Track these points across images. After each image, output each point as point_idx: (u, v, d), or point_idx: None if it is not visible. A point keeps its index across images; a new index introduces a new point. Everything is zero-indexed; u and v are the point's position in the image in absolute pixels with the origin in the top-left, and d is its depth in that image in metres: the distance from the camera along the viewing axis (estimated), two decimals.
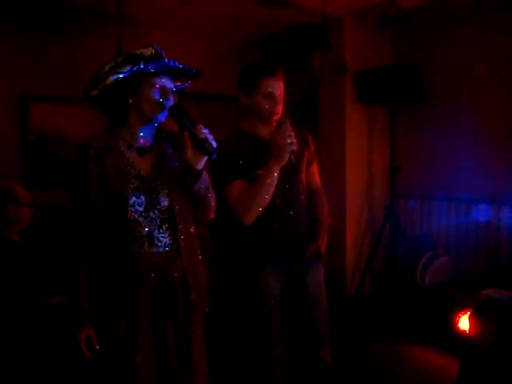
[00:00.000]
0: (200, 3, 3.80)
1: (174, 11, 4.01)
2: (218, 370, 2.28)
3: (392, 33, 4.43)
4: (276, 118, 2.19)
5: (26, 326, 2.65)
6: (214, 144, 1.67)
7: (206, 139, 1.65)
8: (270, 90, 2.15)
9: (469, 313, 2.69)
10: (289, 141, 2.04)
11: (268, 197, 2.10)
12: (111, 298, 1.67)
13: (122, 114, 1.73)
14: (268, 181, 2.08)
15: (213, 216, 1.90)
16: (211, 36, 4.62)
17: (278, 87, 2.16)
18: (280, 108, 2.19)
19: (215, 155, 1.67)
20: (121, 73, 1.63)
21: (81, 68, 3.85)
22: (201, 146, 1.65)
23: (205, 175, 1.75)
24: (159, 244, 1.71)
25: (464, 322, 3.11)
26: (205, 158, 1.68)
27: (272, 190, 2.10)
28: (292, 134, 2.06)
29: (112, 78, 1.64)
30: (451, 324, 3.26)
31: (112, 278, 1.67)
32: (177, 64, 1.72)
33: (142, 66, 1.64)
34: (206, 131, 1.67)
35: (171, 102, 1.73)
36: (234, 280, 2.39)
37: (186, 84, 1.87)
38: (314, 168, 2.45)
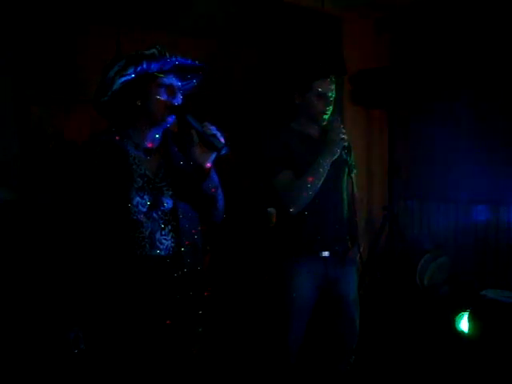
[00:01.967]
0: (200, 4, 3.80)
1: (174, 12, 4.01)
2: (218, 370, 2.29)
3: (391, 33, 4.43)
4: (325, 117, 2.31)
5: (27, 327, 2.65)
6: (223, 140, 1.65)
7: (214, 135, 1.64)
8: (324, 91, 2.27)
9: (468, 313, 2.70)
10: (341, 136, 2.17)
11: (316, 188, 2.18)
12: (110, 298, 1.66)
13: (131, 117, 1.73)
14: (319, 173, 2.17)
15: (222, 218, 1.87)
16: (211, 37, 4.62)
17: (331, 89, 2.29)
18: (330, 109, 2.31)
19: (224, 151, 1.65)
20: (125, 75, 1.63)
21: (81, 70, 3.89)
22: (210, 143, 1.63)
23: (213, 174, 1.73)
24: (161, 246, 1.70)
25: (463, 323, 3.12)
26: (213, 156, 1.67)
27: (321, 182, 2.18)
28: (343, 130, 2.19)
29: (119, 82, 1.64)
30: (450, 324, 3.27)
31: (112, 278, 1.66)
32: (179, 59, 1.71)
33: (144, 66, 1.63)
34: (213, 128, 1.66)
35: (179, 100, 1.72)
36: (269, 276, 2.43)
37: (193, 83, 1.85)
38: (352, 178, 2.50)
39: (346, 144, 2.21)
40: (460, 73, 3.92)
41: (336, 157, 2.20)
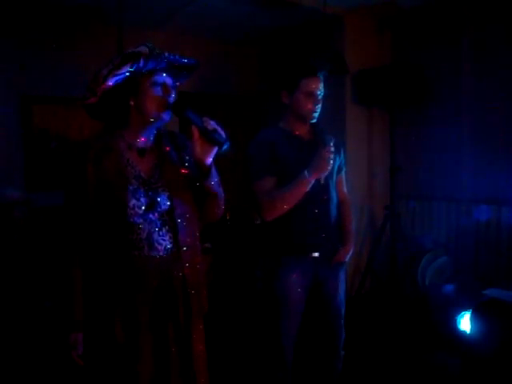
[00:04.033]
0: (200, 3, 3.80)
1: (175, 11, 4.01)
2: (218, 371, 2.28)
3: (392, 33, 4.43)
4: (314, 116, 2.27)
5: (27, 326, 2.65)
6: (224, 134, 1.62)
7: (215, 130, 1.60)
8: (312, 89, 2.22)
9: (469, 313, 2.69)
10: (329, 156, 2.11)
11: (296, 201, 2.16)
12: (110, 300, 1.65)
13: (123, 117, 1.69)
14: (302, 188, 2.14)
15: (221, 214, 1.84)
16: (211, 36, 4.63)
17: (319, 87, 2.24)
18: (319, 108, 2.26)
19: (226, 146, 1.62)
20: (120, 74, 1.58)
21: (82, 69, 3.88)
22: (211, 138, 1.59)
23: (214, 170, 1.70)
24: (159, 247, 1.67)
25: (464, 323, 3.12)
26: (214, 152, 1.63)
27: (302, 195, 2.15)
28: (332, 149, 2.13)
29: (111, 82, 1.59)
30: (452, 324, 3.26)
31: (111, 280, 1.64)
32: (177, 57, 1.68)
33: (141, 64, 1.59)
34: (213, 122, 1.62)
35: (173, 98, 1.69)
36: (259, 278, 2.41)
37: (183, 78, 1.82)
38: (342, 177, 2.50)
39: (329, 168, 2.15)
40: (461, 72, 3.92)
41: (322, 176, 2.15)
